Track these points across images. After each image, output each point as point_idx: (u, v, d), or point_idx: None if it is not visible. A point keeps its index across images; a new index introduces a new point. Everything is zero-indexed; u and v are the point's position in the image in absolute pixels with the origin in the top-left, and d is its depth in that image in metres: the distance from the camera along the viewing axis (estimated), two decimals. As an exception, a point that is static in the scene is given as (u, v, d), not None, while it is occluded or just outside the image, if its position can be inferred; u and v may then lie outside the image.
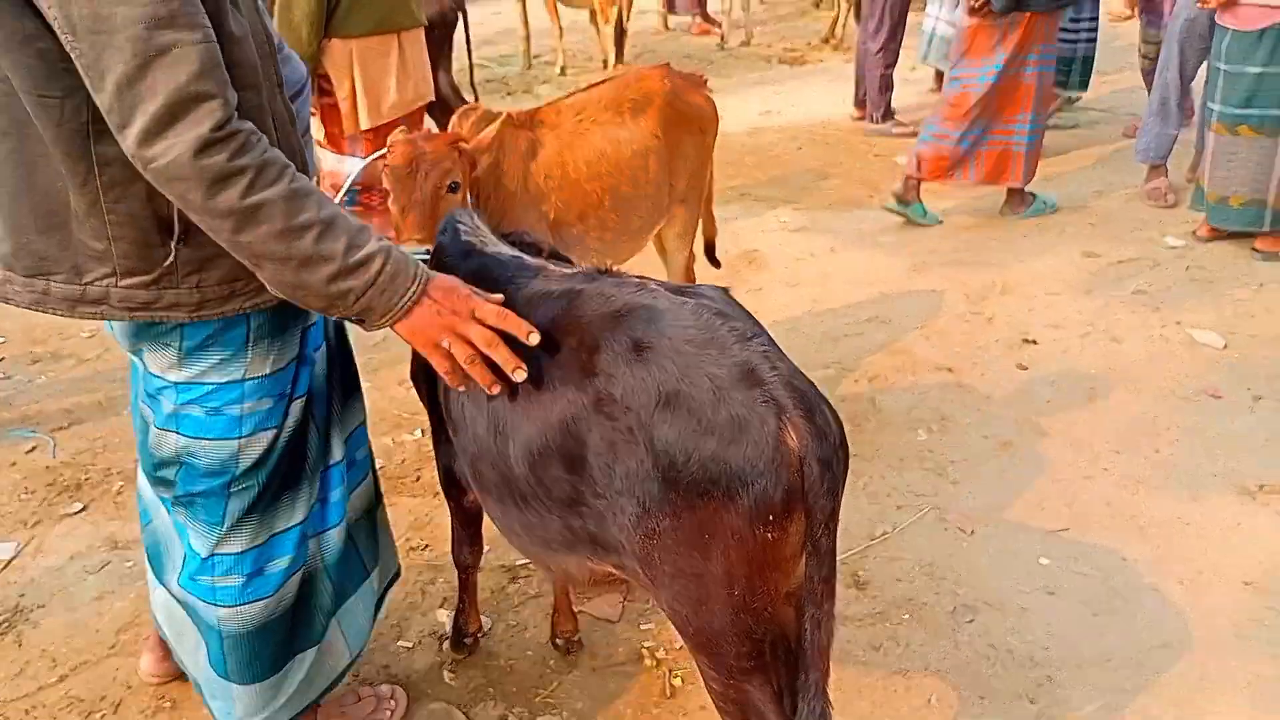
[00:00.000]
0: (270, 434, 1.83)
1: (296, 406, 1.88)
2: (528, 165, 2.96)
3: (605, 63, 8.60)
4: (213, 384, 1.76)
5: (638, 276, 1.77)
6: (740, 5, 9.71)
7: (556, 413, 1.63)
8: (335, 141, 4.37)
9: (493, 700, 2.46)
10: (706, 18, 10.24)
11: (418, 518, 3.16)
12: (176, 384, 1.77)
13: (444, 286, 1.61)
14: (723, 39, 9.66)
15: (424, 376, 2.14)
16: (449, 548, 2.99)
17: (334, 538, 2.06)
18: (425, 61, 4.46)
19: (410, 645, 2.64)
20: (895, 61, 6.84)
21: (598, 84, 3.25)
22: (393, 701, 2.41)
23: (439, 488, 3.21)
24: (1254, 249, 4.72)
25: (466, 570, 2.52)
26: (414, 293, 1.56)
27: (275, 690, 2.05)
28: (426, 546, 3.01)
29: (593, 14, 8.85)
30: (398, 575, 2.47)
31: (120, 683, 2.53)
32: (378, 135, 4.30)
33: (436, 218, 2.56)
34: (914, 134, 6.85)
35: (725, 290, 1.73)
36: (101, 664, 2.60)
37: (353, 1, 4.02)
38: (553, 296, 1.74)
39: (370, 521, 2.26)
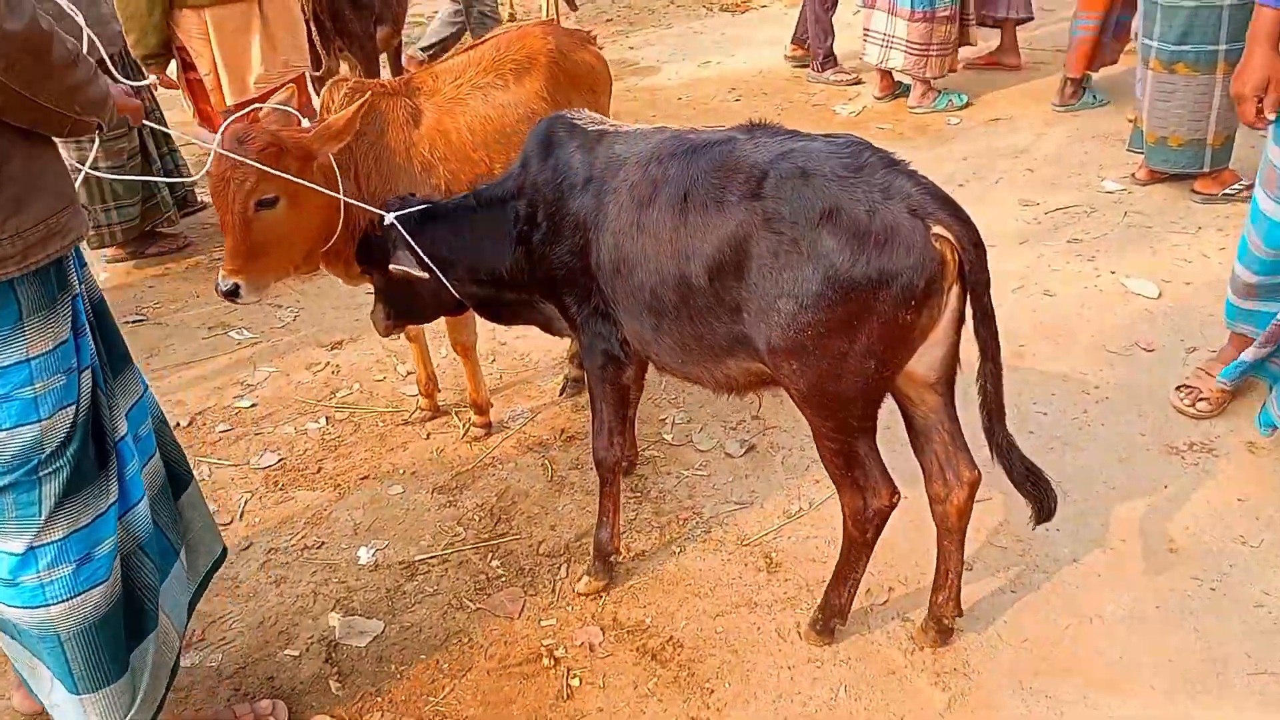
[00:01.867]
0: (70, 410, 1.77)
1: (86, 378, 1.82)
2: (410, 135, 2.75)
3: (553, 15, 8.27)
4: None
5: (783, 126, 2.15)
6: (680, -50, 9.38)
7: (731, 231, 2.01)
8: (208, 119, 4.12)
9: (381, 711, 2.32)
10: (647, -36, 9.89)
11: (315, 512, 2.99)
12: None
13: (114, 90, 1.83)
14: (663, -14, 9.33)
15: (570, 255, 2.37)
16: (346, 546, 2.85)
17: (142, 513, 2.00)
18: (296, 27, 4.14)
19: (297, 654, 2.49)
20: (834, 6, 6.60)
21: (474, 45, 3.02)
22: (272, 718, 2.27)
23: (337, 481, 3.10)
24: (1193, 190, 4.59)
25: (614, 470, 2.60)
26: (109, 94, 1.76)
27: (128, 693, 1.96)
28: (322, 544, 2.85)
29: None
30: (223, 557, 2.42)
31: (-14, 712, 2.38)
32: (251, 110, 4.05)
33: (251, 244, 2.38)
34: (857, 81, 6.69)
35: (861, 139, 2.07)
36: (-33, 690, 2.44)
37: None
38: (715, 144, 2.14)
39: (167, 499, 2.19)
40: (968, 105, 5.97)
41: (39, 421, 1.72)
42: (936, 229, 1.88)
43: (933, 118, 5.93)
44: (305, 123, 2.72)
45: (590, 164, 2.34)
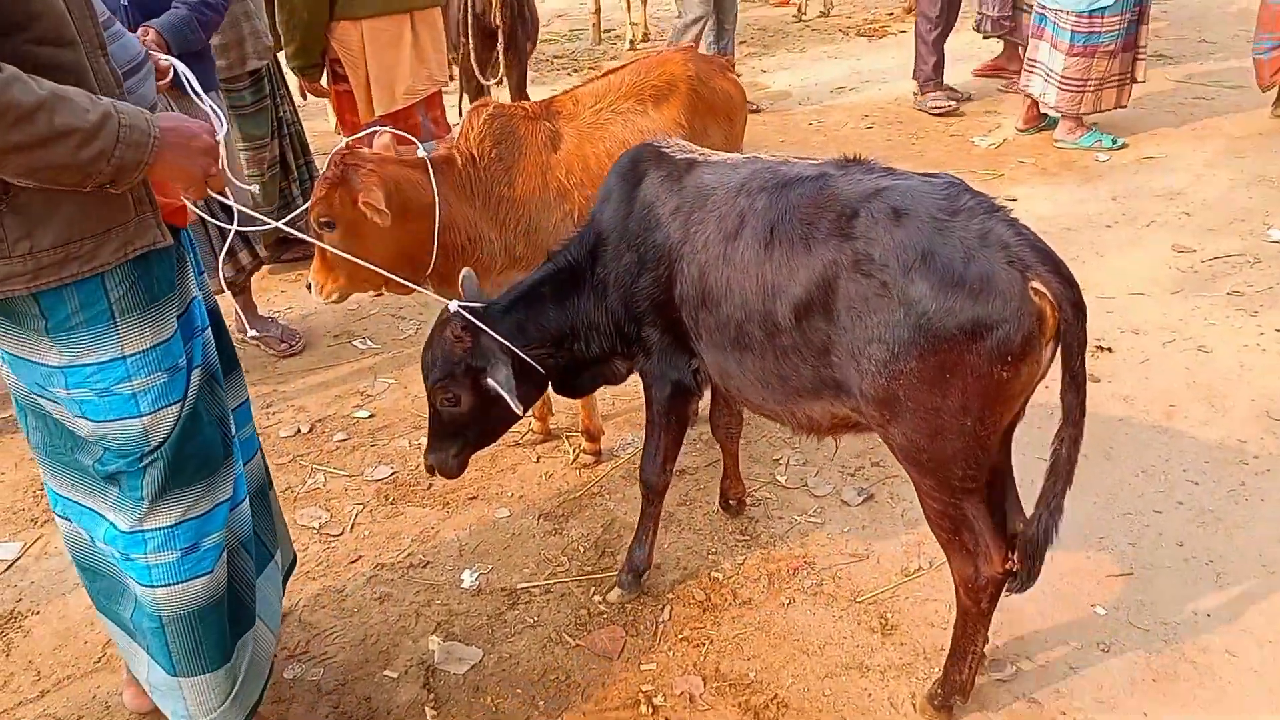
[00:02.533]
0: (174, 408, 1.81)
1: (197, 376, 1.86)
2: (547, 160, 2.74)
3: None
4: (92, 364, 1.71)
5: (878, 162, 2.09)
6: (819, -26, 9.26)
7: (819, 271, 1.95)
8: (352, 129, 4.21)
9: (474, 744, 2.28)
10: (783, -12, 9.81)
11: (424, 530, 2.99)
12: (60, 368, 1.72)
13: (174, 125, 1.62)
14: (800, 10, 9.23)
15: (654, 287, 2.31)
16: (450, 567, 2.84)
17: (244, 512, 2.06)
18: (441, 44, 4.24)
19: (395, 676, 2.47)
20: (941, 27, 6.32)
21: (615, 70, 2.99)
22: None
23: (446, 499, 3.10)
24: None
25: (660, 493, 2.62)
26: (155, 138, 1.55)
27: (228, 682, 2.02)
28: (427, 564, 2.85)
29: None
30: (294, 565, 2.50)
31: (100, 702, 2.44)
32: (394, 121, 4.12)
33: (322, 256, 2.68)
34: (953, 112, 6.39)
35: (958, 179, 1.99)
36: (85, 680, 2.51)
37: None
38: (807, 178, 2.08)
39: (264, 500, 2.26)
40: (1121, 148, 5.63)
41: (140, 416, 1.77)
42: (1035, 283, 1.78)
43: (1079, 154, 5.63)
44: (421, 150, 2.73)
45: (678, 194, 2.29)
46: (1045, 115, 5.93)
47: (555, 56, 8.63)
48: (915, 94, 6.60)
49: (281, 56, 4.80)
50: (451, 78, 5.68)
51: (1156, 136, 5.80)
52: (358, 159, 2.61)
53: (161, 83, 1.97)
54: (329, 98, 4.24)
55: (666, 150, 2.41)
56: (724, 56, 3.22)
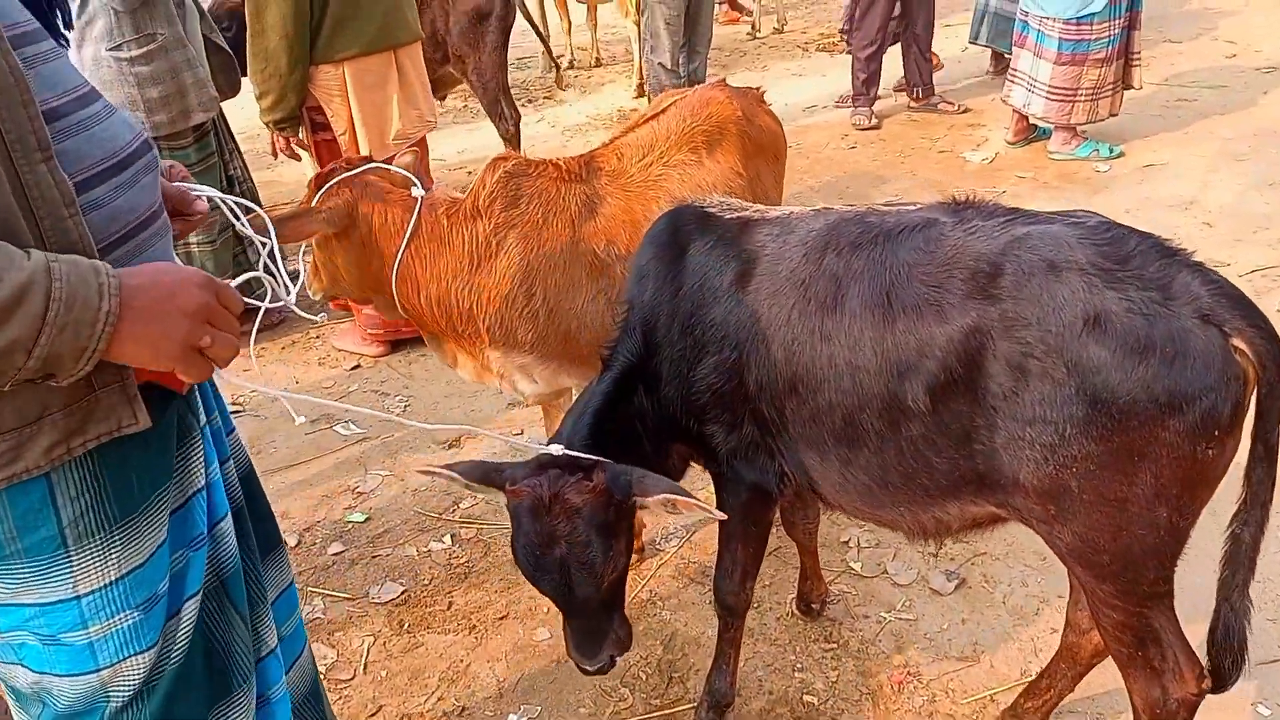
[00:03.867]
0: (145, 657, 1.28)
1: (190, 609, 1.34)
2: (579, 231, 2.33)
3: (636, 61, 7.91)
4: (33, 605, 1.21)
5: (996, 202, 1.77)
6: (770, -11, 8.99)
7: (960, 341, 1.61)
8: (342, 181, 3.75)
9: None
10: (735, 5, 9.52)
11: (451, 664, 2.54)
12: None
13: (145, 282, 1.10)
14: (754, 26, 8.95)
15: (719, 375, 1.90)
16: (492, 712, 2.40)
17: None
18: (427, 81, 3.83)
19: None
20: (875, 49, 6.15)
21: (657, 114, 2.58)
22: None
23: (473, 621, 2.65)
24: None
25: (740, 615, 2.20)
26: (108, 312, 1.05)
27: None
28: (463, 710, 2.40)
29: (590, 8, 8.21)
30: None
31: None
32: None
33: (316, 271, 2.53)
34: (964, 111, 6.22)
35: (1097, 213, 1.69)
36: None
37: (338, 19, 3.39)
38: (913, 228, 1.73)
39: (318, 700, 1.77)
40: (1119, 156, 5.41)
41: (97, 670, 1.26)
42: (1236, 341, 1.50)
43: (1078, 165, 5.40)
44: (417, 189, 2.36)
45: (738, 260, 1.90)
46: (1035, 126, 5.70)
47: (538, 77, 8.22)
48: (910, 104, 6.41)
49: (229, 104, 4.34)
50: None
51: (1152, 143, 5.59)
52: (345, 170, 2.38)
53: (192, 219, 1.42)
54: (309, 150, 3.77)
55: (711, 210, 2.02)
56: (756, 89, 2.83)
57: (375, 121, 3.57)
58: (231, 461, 1.52)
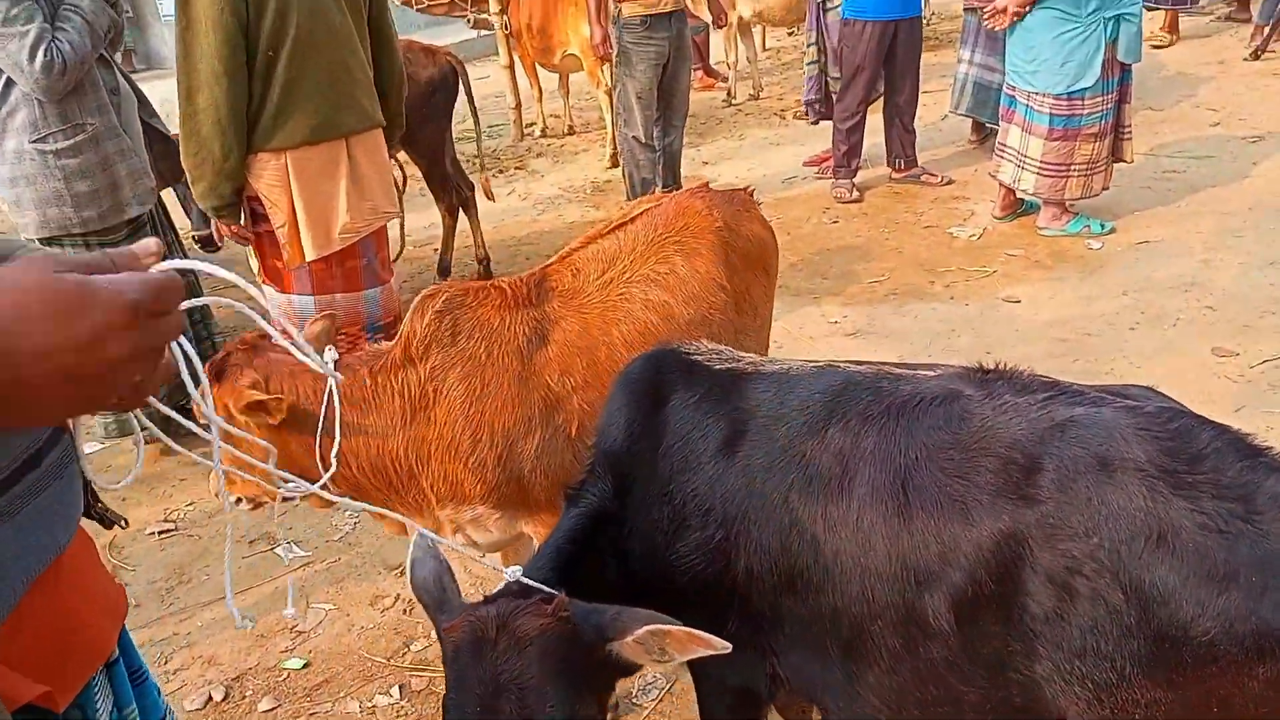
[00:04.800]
0: None
1: None
2: (531, 362, 2.04)
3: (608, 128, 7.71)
4: None
5: (1033, 374, 1.52)
6: (746, 55, 8.87)
7: (990, 549, 1.35)
8: (275, 275, 3.45)
9: None
10: (709, 71, 9.40)
11: None
12: None
13: (24, 297, 0.68)
14: (730, 94, 8.81)
15: (700, 556, 1.58)
16: None
17: None
18: (387, 171, 3.55)
19: None
20: (857, 120, 6.00)
21: (623, 223, 2.31)
22: None
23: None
24: None
25: None
26: None
27: None
28: None
29: (562, 77, 8.05)
30: None
31: None
32: (329, 265, 3.39)
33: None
34: (948, 183, 6.04)
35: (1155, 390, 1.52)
36: None
37: (280, 105, 3.12)
38: (932, 401, 1.48)
39: None
40: (1110, 233, 5.21)
41: None
42: None
43: (1070, 242, 5.19)
44: (328, 355, 2.04)
45: (727, 421, 1.61)
46: (1023, 200, 5.50)
47: (475, 156, 7.97)
48: (893, 176, 6.25)
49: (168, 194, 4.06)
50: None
51: (1144, 218, 5.40)
52: (241, 356, 2.07)
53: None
54: (250, 241, 3.48)
55: (697, 357, 1.75)
56: (745, 190, 2.57)
57: (319, 215, 3.28)
58: None
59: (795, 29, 10.35)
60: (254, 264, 3.57)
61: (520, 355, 2.03)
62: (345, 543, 3.32)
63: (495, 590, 1.52)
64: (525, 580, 1.45)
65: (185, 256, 4.04)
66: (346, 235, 3.33)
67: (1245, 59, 8.11)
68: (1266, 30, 8.35)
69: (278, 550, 3.30)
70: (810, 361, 1.70)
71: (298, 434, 2.05)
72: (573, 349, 2.08)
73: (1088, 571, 1.29)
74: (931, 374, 1.56)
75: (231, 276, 1.08)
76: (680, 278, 2.16)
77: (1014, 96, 5.16)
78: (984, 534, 1.35)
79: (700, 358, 1.72)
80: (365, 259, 3.48)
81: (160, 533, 3.44)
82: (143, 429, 1.01)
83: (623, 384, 1.75)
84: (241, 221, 3.39)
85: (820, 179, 6.55)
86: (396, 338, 2.10)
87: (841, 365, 1.64)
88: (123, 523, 1.21)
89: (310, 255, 3.32)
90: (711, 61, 9.58)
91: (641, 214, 2.30)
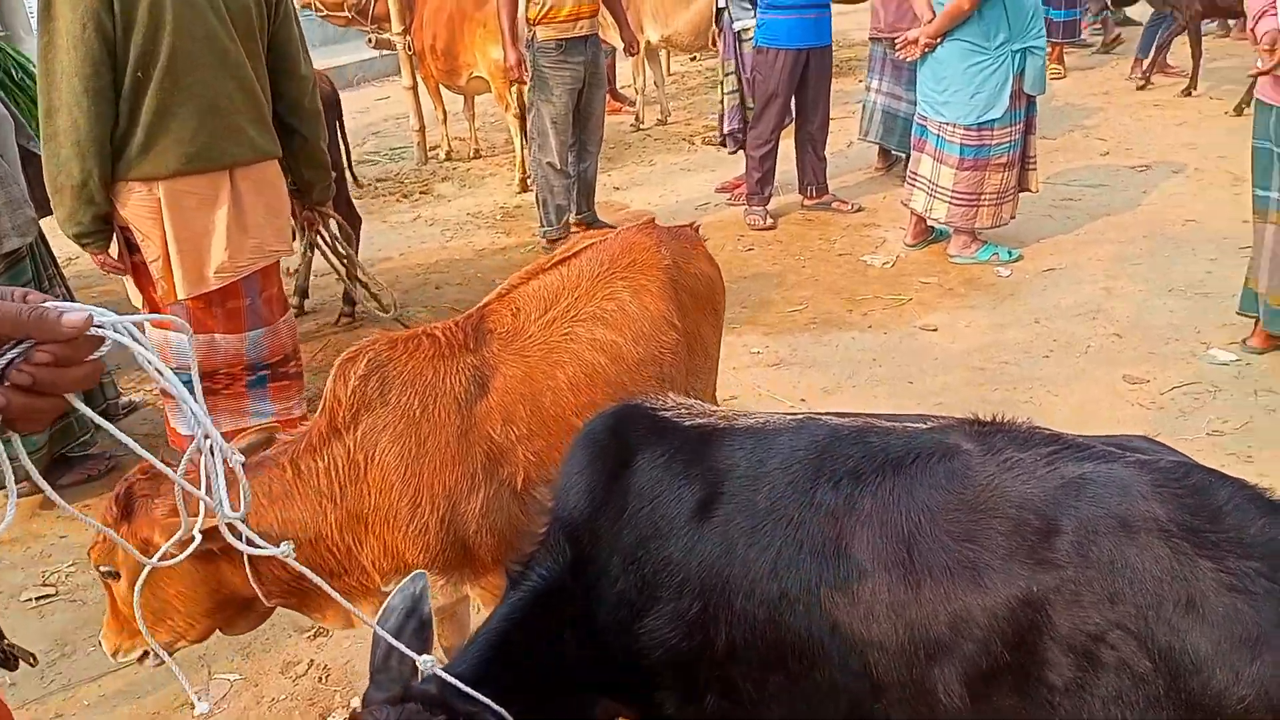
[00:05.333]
0: None
1: None
2: (471, 414, 1.88)
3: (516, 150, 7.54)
4: None
5: (1033, 426, 1.45)
6: (653, 80, 8.85)
7: (1004, 618, 1.28)
8: (155, 307, 3.19)
9: None
10: (616, 95, 9.32)
11: None
12: None
13: None
14: (637, 118, 8.77)
15: (673, 630, 1.46)
16: None
17: None
18: (280, 205, 3.28)
19: None
20: (770, 147, 6.02)
21: (566, 258, 2.18)
22: None
23: None
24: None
25: None
26: None
27: None
28: None
29: (468, 99, 7.88)
30: None
31: None
32: (209, 303, 3.14)
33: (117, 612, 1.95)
34: (858, 210, 6.10)
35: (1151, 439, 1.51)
36: None
37: (151, 129, 2.87)
38: (929, 456, 1.40)
39: None
40: (1018, 260, 5.33)
41: None
42: None
43: (981, 269, 5.28)
44: (235, 456, 1.85)
45: (701, 482, 1.51)
46: (933, 228, 5.58)
47: (379, 180, 7.71)
48: (804, 203, 6.28)
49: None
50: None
51: (1047, 245, 5.54)
52: (143, 487, 1.84)
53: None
54: (126, 273, 3.20)
55: (664, 414, 1.62)
56: (691, 225, 2.47)
57: (193, 251, 3.02)
58: None
59: (698, 55, 10.43)
60: (133, 296, 3.28)
61: (459, 407, 1.87)
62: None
63: (416, 681, 1.38)
64: (442, 675, 1.31)
65: (66, 289, 3.72)
66: (223, 274, 3.08)
67: (1138, 88, 8.54)
68: (1145, 63, 8.79)
69: (175, 613, 3.02)
70: (786, 414, 1.61)
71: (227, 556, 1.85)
72: (515, 396, 1.93)
73: (1113, 639, 1.23)
74: (922, 426, 1.48)
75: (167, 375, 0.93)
76: (629, 315, 2.04)
77: (925, 126, 5.24)
78: (998, 601, 1.28)
79: (668, 414, 1.60)
80: (249, 299, 3.22)
81: (38, 598, 3.12)
82: (16, 479, 0.88)
83: (583, 444, 1.62)
84: (116, 250, 3.12)
85: (732, 206, 6.54)
86: (320, 409, 1.91)
87: (821, 418, 1.55)
88: (30, 660, 1.04)
89: (182, 294, 3.06)
90: (618, 86, 9.53)
91: (585, 249, 2.17)
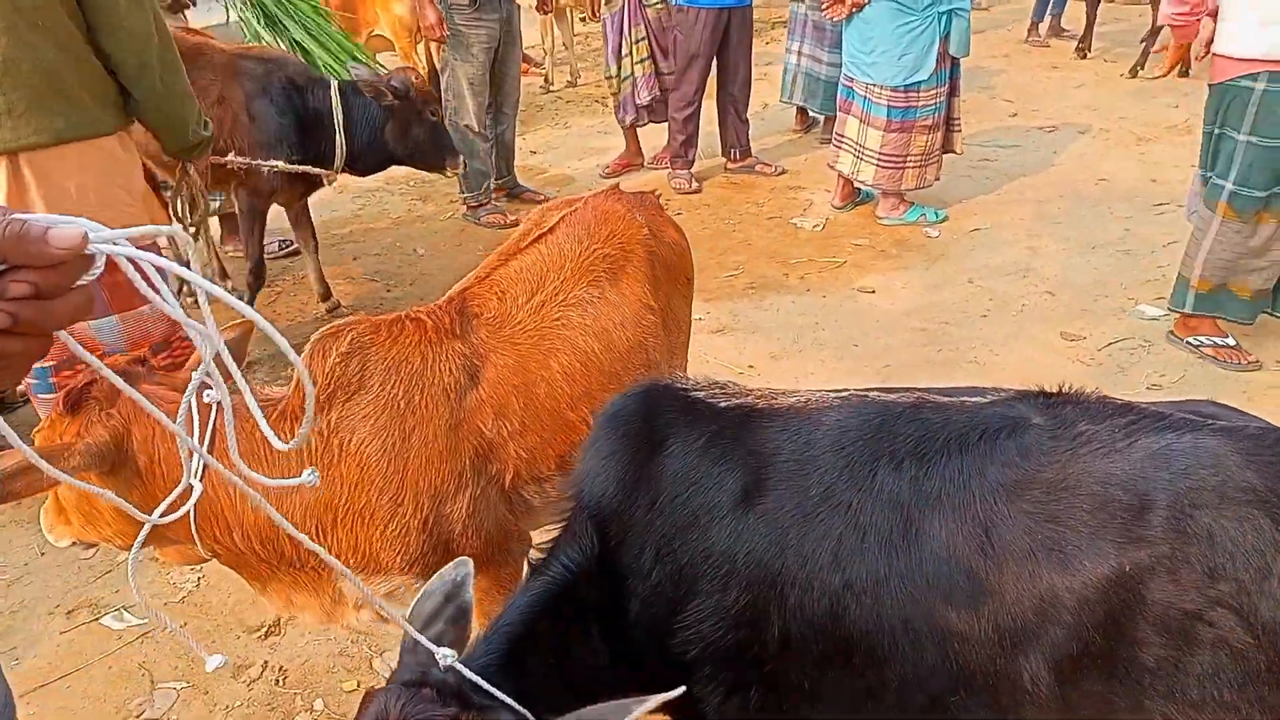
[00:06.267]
0: None
1: None
2: (461, 406, 1.72)
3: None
4: None
5: (1099, 395, 1.39)
6: (562, 41, 8.61)
7: (1094, 600, 1.21)
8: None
9: None
10: (525, 57, 9.04)
11: None
12: None
13: None
14: (547, 79, 8.52)
15: (718, 624, 1.37)
16: None
17: None
18: (112, 192, 2.58)
19: None
20: (693, 109, 5.93)
21: (542, 234, 2.01)
22: None
23: None
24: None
25: None
26: None
27: None
28: None
29: (371, 57, 7.48)
30: None
31: None
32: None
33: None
34: (698, 190, 6.02)
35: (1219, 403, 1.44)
36: None
37: None
38: (994, 431, 1.32)
39: None
40: (944, 221, 5.38)
41: None
42: None
43: (910, 230, 5.31)
44: (215, 392, 1.69)
45: (744, 467, 1.41)
46: (859, 189, 5.59)
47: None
48: (727, 166, 6.23)
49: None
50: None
51: (970, 206, 5.62)
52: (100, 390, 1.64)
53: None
54: None
55: (696, 394, 1.51)
56: (652, 192, 2.35)
57: None
58: None
59: (587, 17, 10.18)
60: None
61: (448, 399, 1.71)
62: (190, 604, 2.83)
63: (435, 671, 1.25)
64: (459, 667, 1.19)
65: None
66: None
67: (1036, 47, 8.75)
68: (1042, 26, 9.01)
69: (105, 620, 2.77)
70: (830, 391, 1.51)
71: (163, 491, 1.65)
72: (508, 387, 1.78)
73: (1211, 617, 1.18)
74: (982, 399, 1.41)
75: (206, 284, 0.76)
76: (620, 296, 1.91)
77: (852, 88, 5.21)
78: (1088, 582, 1.22)
79: (700, 394, 1.49)
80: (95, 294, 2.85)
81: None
82: None
83: (609, 426, 1.49)
84: None
85: (654, 169, 6.41)
86: (292, 384, 1.72)
87: (870, 395, 1.46)
88: None
89: None
90: (525, 47, 9.23)
91: (560, 222, 2.02)
